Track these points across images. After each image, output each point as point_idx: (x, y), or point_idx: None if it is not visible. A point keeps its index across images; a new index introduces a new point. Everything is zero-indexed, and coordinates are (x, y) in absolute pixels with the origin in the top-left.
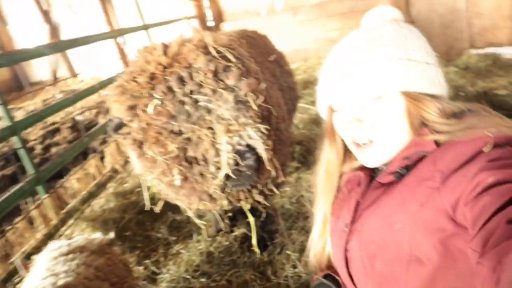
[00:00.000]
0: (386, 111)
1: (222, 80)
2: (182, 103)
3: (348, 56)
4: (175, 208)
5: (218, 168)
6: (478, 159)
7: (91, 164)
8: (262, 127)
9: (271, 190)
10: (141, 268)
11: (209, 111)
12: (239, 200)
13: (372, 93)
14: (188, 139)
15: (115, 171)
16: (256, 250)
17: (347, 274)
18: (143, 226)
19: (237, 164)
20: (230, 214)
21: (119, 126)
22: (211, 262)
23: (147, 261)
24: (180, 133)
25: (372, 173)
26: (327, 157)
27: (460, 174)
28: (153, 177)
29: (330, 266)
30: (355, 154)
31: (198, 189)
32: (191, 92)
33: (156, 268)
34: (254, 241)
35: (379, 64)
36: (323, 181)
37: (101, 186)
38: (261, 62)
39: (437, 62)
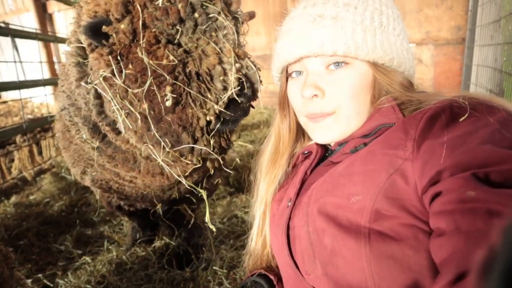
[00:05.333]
0: (351, 79)
1: (226, 4)
2: (192, 8)
3: (323, 5)
4: (86, 221)
5: (225, 89)
6: (453, 128)
7: None
8: (257, 64)
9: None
10: (29, 281)
11: (215, 28)
12: (220, 146)
13: (341, 49)
14: (187, 52)
15: (22, 180)
16: (210, 226)
17: (289, 257)
18: (44, 237)
19: (241, 90)
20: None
21: (100, 24)
22: (122, 274)
23: (39, 275)
24: (177, 44)
25: (325, 152)
26: (278, 132)
27: (435, 143)
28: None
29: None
30: (307, 129)
31: (186, 117)
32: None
33: (51, 282)
34: (207, 217)
35: (350, 27)
36: (269, 162)
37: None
38: None
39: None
